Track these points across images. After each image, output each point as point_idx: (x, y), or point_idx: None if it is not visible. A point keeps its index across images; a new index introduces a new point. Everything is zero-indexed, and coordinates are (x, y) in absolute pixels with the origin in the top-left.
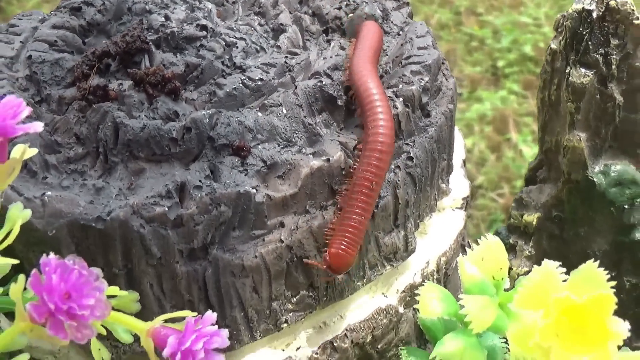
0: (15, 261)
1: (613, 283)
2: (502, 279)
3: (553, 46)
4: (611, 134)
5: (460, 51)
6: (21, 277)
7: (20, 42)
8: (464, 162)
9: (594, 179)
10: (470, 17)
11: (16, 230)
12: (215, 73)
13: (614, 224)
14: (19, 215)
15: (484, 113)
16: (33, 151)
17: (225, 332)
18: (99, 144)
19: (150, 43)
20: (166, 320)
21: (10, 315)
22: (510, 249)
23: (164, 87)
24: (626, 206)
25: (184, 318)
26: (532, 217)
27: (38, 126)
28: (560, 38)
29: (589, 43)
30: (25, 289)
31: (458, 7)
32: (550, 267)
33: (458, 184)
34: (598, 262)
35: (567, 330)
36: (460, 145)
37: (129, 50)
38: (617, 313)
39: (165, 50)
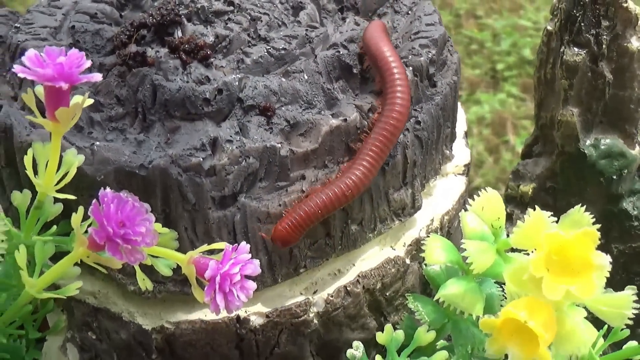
0: (72, 197)
1: (597, 226)
2: (500, 227)
3: (549, 28)
4: (601, 109)
5: (459, 54)
6: (80, 209)
7: (62, 14)
8: (466, 133)
9: (585, 151)
10: (469, 19)
11: (72, 172)
12: (242, 43)
13: (603, 194)
14: (74, 159)
15: (482, 115)
16: (90, 101)
17: (257, 262)
18: (137, 105)
19: (183, 16)
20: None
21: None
22: (507, 217)
23: (196, 54)
24: (614, 177)
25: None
26: (527, 188)
27: (97, 76)
28: (556, 20)
29: (582, 24)
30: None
31: (458, 10)
32: (542, 212)
33: (460, 152)
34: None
35: (556, 264)
36: (462, 118)
37: (163, 22)
38: (607, 279)
39: (196, 23)
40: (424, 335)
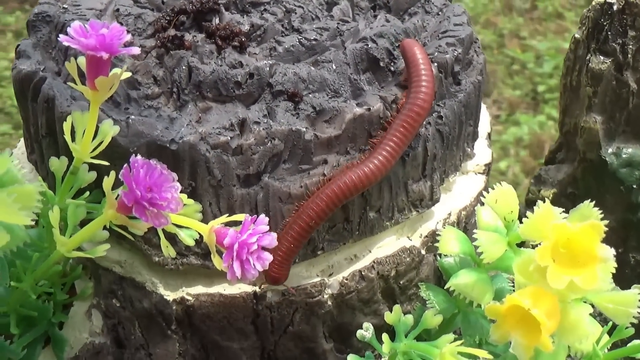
0: (106, 163)
1: (606, 222)
2: (512, 221)
3: (577, 36)
4: (624, 118)
5: (501, 73)
6: (112, 173)
7: None
8: (489, 134)
9: (607, 159)
10: (513, 39)
11: (107, 140)
12: (276, 33)
13: (622, 203)
14: (109, 129)
15: (520, 137)
16: (128, 74)
17: (274, 235)
18: (172, 85)
19: (221, 5)
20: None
21: None
22: None
23: (231, 40)
24: (635, 186)
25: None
26: (548, 193)
27: (136, 49)
28: (584, 28)
29: (609, 33)
30: None
31: (502, 30)
32: (551, 205)
33: (482, 152)
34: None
35: (562, 256)
36: (486, 119)
37: (202, 10)
38: (622, 287)
39: (233, 13)
40: (431, 319)
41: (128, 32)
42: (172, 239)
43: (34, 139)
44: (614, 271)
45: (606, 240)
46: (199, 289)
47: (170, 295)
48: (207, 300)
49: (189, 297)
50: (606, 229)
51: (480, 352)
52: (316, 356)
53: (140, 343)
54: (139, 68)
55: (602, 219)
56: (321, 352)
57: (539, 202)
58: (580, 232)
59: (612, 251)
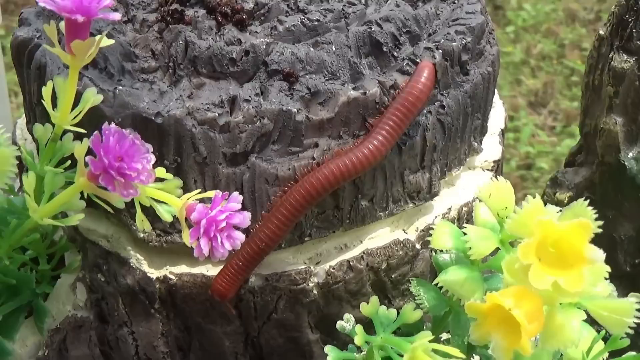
0: (83, 130)
1: (600, 222)
2: (507, 217)
3: (601, 32)
4: None
5: (559, 84)
6: (85, 140)
7: None
8: (502, 131)
9: (625, 163)
10: (574, 50)
11: (86, 108)
12: (280, 13)
13: None
14: (92, 97)
15: None
16: (110, 41)
17: (247, 214)
18: (170, 60)
19: None
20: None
21: None
22: None
23: (232, 17)
24: None
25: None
26: (564, 196)
27: (116, 15)
28: (608, 25)
29: (634, 30)
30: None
31: (562, 40)
32: (540, 200)
33: (492, 148)
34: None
35: (549, 255)
36: (501, 115)
37: None
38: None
39: None
40: (410, 313)
41: (132, 4)
42: (156, 214)
43: (29, 107)
44: (607, 275)
45: (623, 250)
46: (183, 269)
47: (154, 273)
48: (189, 280)
49: (172, 276)
50: (599, 230)
51: (453, 350)
52: (301, 346)
53: (124, 320)
54: (139, 41)
55: (619, 227)
56: (306, 342)
57: (528, 197)
58: (568, 230)
59: (602, 253)
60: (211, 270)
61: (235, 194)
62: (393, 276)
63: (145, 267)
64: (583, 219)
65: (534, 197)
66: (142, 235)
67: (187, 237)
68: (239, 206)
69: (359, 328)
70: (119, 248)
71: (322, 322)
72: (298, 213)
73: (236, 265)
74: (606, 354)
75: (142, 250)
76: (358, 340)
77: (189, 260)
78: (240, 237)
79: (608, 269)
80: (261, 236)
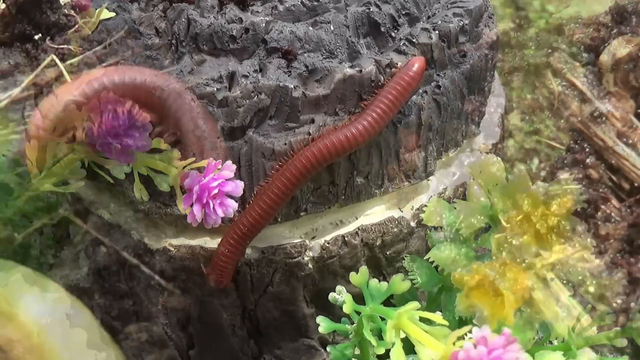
0: None
1: (584, 197)
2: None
3: None
4: None
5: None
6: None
7: None
8: (502, 116)
9: None
10: None
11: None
12: None
13: None
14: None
15: None
16: (111, 14)
17: (240, 183)
18: (173, 37)
19: None
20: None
21: None
22: None
23: None
24: None
25: None
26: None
27: None
28: None
29: None
30: None
31: None
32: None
33: (491, 131)
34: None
35: (535, 228)
36: (502, 101)
37: None
38: None
39: None
40: (399, 284)
41: None
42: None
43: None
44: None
45: None
46: (181, 240)
47: (153, 245)
48: (187, 252)
49: (171, 248)
50: (585, 204)
51: (436, 317)
52: (296, 320)
53: (125, 291)
54: (143, 20)
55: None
56: (301, 316)
57: (515, 171)
58: (553, 202)
59: (584, 225)
60: (209, 243)
61: (229, 162)
62: (388, 253)
63: (145, 239)
64: (567, 189)
65: (520, 172)
66: (142, 207)
67: (181, 204)
68: (232, 174)
69: (347, 297)
70: (120, 220)
71: (318, 296)
72: (290, 189)
73: (236, 235)
74: (594, 329)
75: (143, 222)
76: (346, 308)
77: (189, 233)
78: (233, 204)
79: (594, 242)
80: (257, 208)
